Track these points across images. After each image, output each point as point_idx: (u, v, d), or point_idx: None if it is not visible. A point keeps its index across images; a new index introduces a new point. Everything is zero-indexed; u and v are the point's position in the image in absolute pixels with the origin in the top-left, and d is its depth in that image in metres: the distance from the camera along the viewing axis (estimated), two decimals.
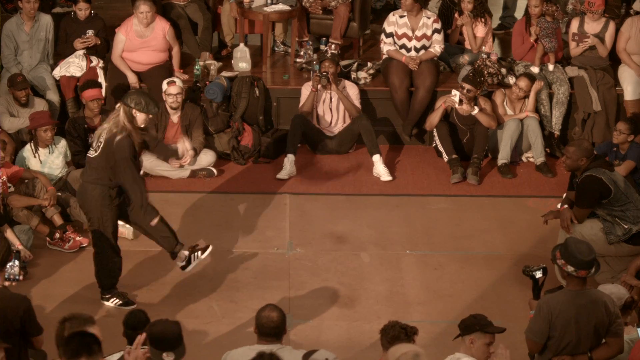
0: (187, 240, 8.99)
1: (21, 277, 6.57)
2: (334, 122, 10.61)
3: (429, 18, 10.73)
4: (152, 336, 5.71)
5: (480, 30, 11.15)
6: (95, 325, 5.36)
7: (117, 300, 8.05)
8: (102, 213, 7.77)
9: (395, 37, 10.74)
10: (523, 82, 10.39)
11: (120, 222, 9.01)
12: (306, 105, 10.46)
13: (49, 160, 9.39)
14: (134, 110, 7.58)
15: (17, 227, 8.66)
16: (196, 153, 10.08)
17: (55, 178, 9.34)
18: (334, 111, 10.57)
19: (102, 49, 10.84)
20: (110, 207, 7.77)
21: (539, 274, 6.75)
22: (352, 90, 10.60)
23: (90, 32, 10.73)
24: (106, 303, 8.05)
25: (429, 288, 8.42)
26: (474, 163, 10.20)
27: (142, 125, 7.71)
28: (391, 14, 10.88)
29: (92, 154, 7.72)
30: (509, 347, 6.25)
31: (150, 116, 7.69)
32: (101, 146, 7.61)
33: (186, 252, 8.12)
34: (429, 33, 10.71)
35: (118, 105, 7.70)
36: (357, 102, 10.57)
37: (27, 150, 9.37)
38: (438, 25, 10.74)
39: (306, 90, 10.53)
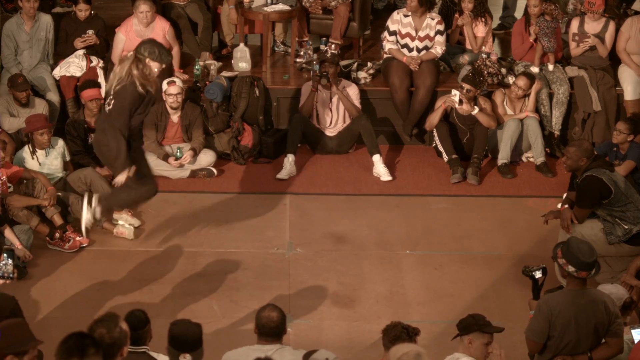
0: (187, 241, 9.02)
1: (15, 275, 6.57)
2: (334, 122, 10.61)
3: (432, 19, 10.73)
4: (172, 336, 5.71)
5: (481, 30, 11.15)
6: (124, 321, 5.37)
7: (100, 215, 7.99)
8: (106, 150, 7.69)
9: (398, 36, 10.74)
10: (522, 81, 10.39)
11: (120, 222, 9.05)
12: (306, 105, 10.46)
13: (47, 161, 9.38)
14: (147, 60, 7.49)
15: (17, 227, 8.64)
16: (195, 153, 10.08)
17: (54, 179, 9.33)
18: (334, 111, 10.57)
19: (102, 49, 10.84)
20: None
21: (538, 274, 6.75)
22: (352, 90, 10.60)
23: (90, 32, 10.73)
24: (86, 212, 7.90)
25: (429, 288, 8.42)
26: (474, 163, 10.20)
27: (156, 73, 7.59)
28: (395, 12, 10.88)
29: (107, 109, 7.62)
30: (509, 347, 6.26)
31: (164, 66, 7.61)
32: (113, 99, 7.54)
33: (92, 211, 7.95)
34: (431, 34, 10.71)
35: (131, 54, 7.58)
36: (357, 102, 10.57)
37: (26, 152, 9.35)
38: (441, 27, 10.74)
39: (306, 90, 10.53)
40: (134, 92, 7.49)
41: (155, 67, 7.54)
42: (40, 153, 9.34)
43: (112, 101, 7.55)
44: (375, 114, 10.95)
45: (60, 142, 9.56)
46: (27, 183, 8.93)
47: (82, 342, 4.69)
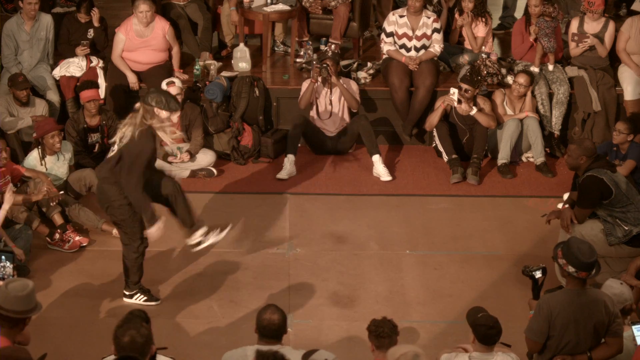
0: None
1: (15, 277, 6.59)
2: (334, 122, 10.60)
3: (428, 18, 10.73)
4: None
5: (481, 30, 11.15)
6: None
7: (142, 296, 8.04)
8: (125, 209, 7.67)
9: (395, 37, 10.75)
10: (522, 78, 10.41)
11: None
12: (305, 97, 10.43)
13: (54, 167, 9.31)
14: (155, 109, 7.52)
15: (17, 227, 8.62)
16: (192, 155, 10.07)
17: (59, 182, 9.27)
18: (333, 111, 10.56)
19: (101, 40, 10.85)
20: (123, 205, 7.68)
21: (538, 274, 6.75)
22: (352, 86, 10.58)
23: (91, 32, 10.77)
24: (129, 300, 8.00)
25: (429, 288, 8.42)
26: (473, 163, 10.20)
27: (167, 123, 7.65)
28: (391, 13, 10.89)
29: (110, 154, 7.65)
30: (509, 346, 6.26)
31: (172, 113, 7.62)
32: (122, 146, 7.51)
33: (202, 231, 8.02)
34: (428, 33, 10.72)
35: (138, 105, 7.59)
36: (356, 97, 10.56)
37: (34, 159, 9.22)
38: (438, 25, 10.75)
39: (306, 85, 10.52)
40: (150, 142, 7.53)
41: (164, 115, 7.57)
42: (49, 159, 9.27)
43: (122, 156, 7.52)
44: (375, 114, 10.95)
45: (70, 148, 9.50)
46: (28, 182, 8.92)
47: None
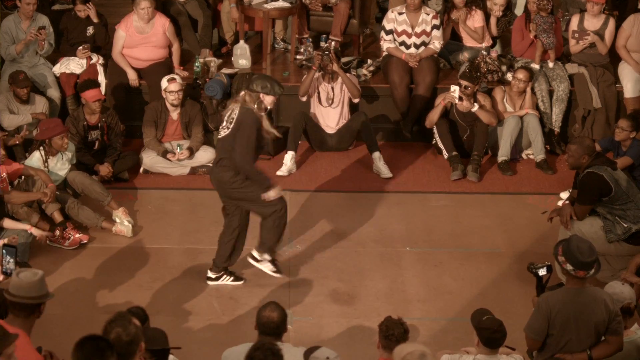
0: (187, 238, 9.02)
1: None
2: (335, 113, 10.57)
3: (427, 14, 10.73)
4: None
5: (478, 19, 11.13)
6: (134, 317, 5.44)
7: (229, 277, 8.30)
8: (246, 184, 7.87)
9: (395, 34, 10.74)
10: (521, 74, 10.41)
11: (118, 220, 9.04)
12: (304, 85, 10.39)
13: (56, 167, 9.26)
14: (261, 95, 7.74)
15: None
16: (192, 152, 10.06)
17: (58, 179, 9.25)
18: (335, 99, 10.52)
19: (103, 40, 10.84)
20: (244, 185, 7.88)
21: (543, 272, 6.74)
22: (352, 79, 10.56)
23: (90, 30, 10.76)
24: (215, 283, 8.26)
25: (429, 285, 8.42)
26: (474, 160, 10.20)
27: (270, 107, 7.87)
28: (390, 11, 10.89)
29: (222, 133, 7.86)
30: (509, 343, 6.25)
31: (277, 97, 7.86)
32: (232, 124, 7.75)
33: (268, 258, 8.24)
34: (428, 29, 10.71)
35: (242, 93, 7.84)
36: (357, 86, 10.56)
37: (38, 159, 9.15)
38: (437, 22, 10.75)
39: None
40: (256, 118, 7.74)
41: (270, 99, 7.80)
42: (51, 160, 9.20)
43: (232, 129, 7.74)
44: (376, 111, 10.94)
45: (73, 147, 9.47)
46: (27, 180, 8.91)
47: (99, 345, 4.71)
